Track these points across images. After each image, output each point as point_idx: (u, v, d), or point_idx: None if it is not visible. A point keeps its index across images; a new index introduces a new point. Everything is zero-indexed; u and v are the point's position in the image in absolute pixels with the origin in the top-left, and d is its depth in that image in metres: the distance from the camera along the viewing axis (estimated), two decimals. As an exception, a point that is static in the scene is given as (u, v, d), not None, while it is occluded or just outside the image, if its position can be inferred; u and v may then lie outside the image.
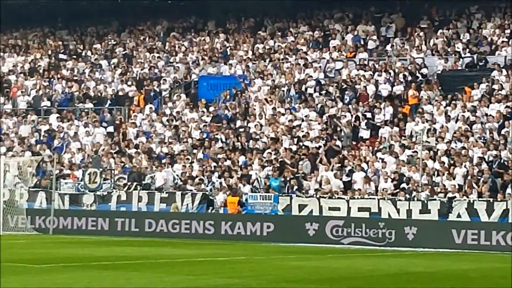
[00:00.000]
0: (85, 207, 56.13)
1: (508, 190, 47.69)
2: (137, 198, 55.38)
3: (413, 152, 53.66)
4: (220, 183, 54.61)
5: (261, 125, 59.68)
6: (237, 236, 51.55)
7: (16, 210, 54.84)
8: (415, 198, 50.00)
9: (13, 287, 26.44)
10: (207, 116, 62.16)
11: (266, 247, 47.01)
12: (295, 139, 57.78)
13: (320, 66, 64.52)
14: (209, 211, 54.12)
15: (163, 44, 72.98)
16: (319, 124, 58.83)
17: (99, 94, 67.57)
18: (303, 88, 63.09)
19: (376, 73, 61.99)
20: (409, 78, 60.60)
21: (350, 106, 59.75)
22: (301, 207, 51.92)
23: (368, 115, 58.31)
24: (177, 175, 56.59)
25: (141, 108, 65.23)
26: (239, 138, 59.12)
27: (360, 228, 49.70)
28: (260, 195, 53.38)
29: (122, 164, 58.67)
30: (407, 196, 50.47)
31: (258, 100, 62.94)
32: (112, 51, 73.82)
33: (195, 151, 58.55)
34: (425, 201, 49.24)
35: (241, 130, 60.06)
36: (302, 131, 58.47)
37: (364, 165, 53.73)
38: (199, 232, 52.63)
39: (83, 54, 74.17)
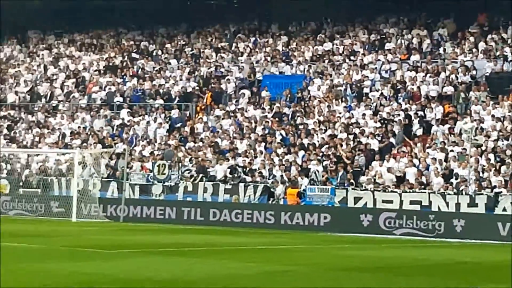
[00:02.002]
0: (154, 197, 56.40)
1: (550, 185, 47.62)
2: (202, 189, 55.58)
3: (462, 149, 53.39)
4: (281, 176, 54.70)
5: (320, 122, 59.52)
6: (295, 226, 51.65)
7: (89, 199, 55.19)
8: (463, 193, 49.96)
9: (85, 271, 26.54)
10: (269, 113, 62.21)
11: (323, 237, 47.30)
12: (352, 136, 57.52)
13: (375, 68, 64.46)
14: (270, 202, 54.16)
15: (229, 45, 73.17)
16: (374, 122, 58.63)
17: (168, 91, 67.83)
18: (359, 88, 62.93)
19: (428, 75, 61.72)
20: (459, 79, 60.26)
21: (403, 105, 59.72)
22: (356, 199, 52.14)
23: (420, 113, 58.14)
24: (241, 168, 56.53)
25: (208, 105, 65.40)
26: (299, 134, 58.97)
27: (412, 220, 49.86)
28: (318, 188, 53.18)
29: (189, 157, 58.76)
30: (456, 190, 50.37)
31: (317, 99, 62.88)
32: (181, 50, 74.13)
33: (257, 145, 58.55)
34: (473, 195, 49.35)
35: (301, 126, 59.80)
36: (359, 128, 58.21)
37: (415, 160, 53.69)
38: (260, 221, 52.80)
39: (154, 53, 74.76)
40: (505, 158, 51.56)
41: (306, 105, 62.02)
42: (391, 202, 51.67)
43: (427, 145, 55.23)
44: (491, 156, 52.01)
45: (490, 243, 45.59)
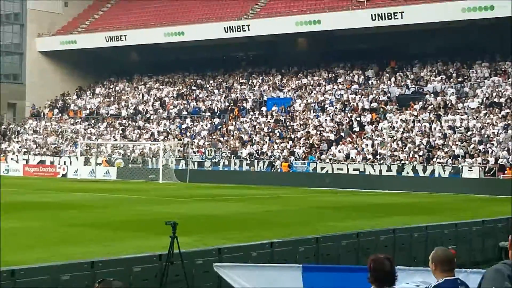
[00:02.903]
0: (206, 168, 55.86)
1: None
2: (233, 163, 54.88)
3: (382, 139, 52.20)
4: (278, 155, 53.90)
5: (300, 125, 58.16)
6: (287, 184, 49.56)
7: (169, 170, 54.96)
8: (384, 164, 48.90)
9: (166, 211, 28.05)
10: (271, 119, 60.78)
11: (303, 190, 45.83)
12: (319, 132, 56.15)
13: (332, 93, 61.72)
14: (272, 170, 53.11)
15: (247, 81, 70.04)
16: (331, 123, 56.87)
17: (212, 108, 66.06)
18: (323, 105, 60.58)
19: (362, 96, 59.56)
20: (380, 99, 58.45)
21: (348, 114, 57.60)
22: (322, 168, 50.84)
23: (358, 119, 56.50)
24: (255, 151, 56.17)
25: (235, 115, 63.82)
26: (288, 131, 57.95)
27: (353, 180, 48.27)
28: (300, 162, 52.52)
29: (225, 145, 58.37)
30: (379, 163, 49.35)
31: (298, 111, 61.02)
32: (220, 84, 71.38)
33: (264, 138, 58.44)
34: (389, 165, 48.38)
35: (289, 127, 58.65)
36: (322, 128, 56.63)
37: (355, 145, 52.42)
38: (266, 182, 50.57)
39: (205, 86, 71.76)
40: (406, 143, 50.31)
41: (292, 115, 60.39)
42: (341, 169, 50.04)
43: (362, 137, 53.75)
44: (399, 142, 50.89)
45: (397, 193, 44.13)
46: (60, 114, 74.11)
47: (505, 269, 5.51)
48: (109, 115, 71.00)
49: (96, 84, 78.98)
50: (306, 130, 57.36)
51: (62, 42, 76.67)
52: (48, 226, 23.32)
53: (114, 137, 65.40)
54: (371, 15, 59.84)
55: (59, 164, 61.79)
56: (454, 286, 6.81)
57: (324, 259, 14.26)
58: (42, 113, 75.31)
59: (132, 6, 77.33)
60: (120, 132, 66.41)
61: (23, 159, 64.42)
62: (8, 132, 72.66)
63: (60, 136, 68.73)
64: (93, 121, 70.75)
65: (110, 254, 14.43)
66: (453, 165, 46.81)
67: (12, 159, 65.15)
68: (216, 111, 65.73)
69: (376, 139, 53.05)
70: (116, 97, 74.55)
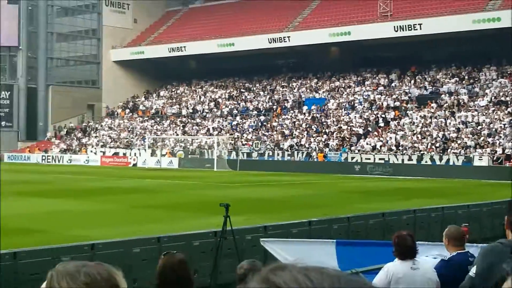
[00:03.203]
0: (253, 158, 55.49)
1: None
2: (276, 154, 54.54)
3: (404, 133, 52.00)
4: (315, 147, 53.97)
5: (333, 121, 57.88)
6: (321, 171, 49.37)
7: (222, 160, 54.84)
8: (405, 154, 48.58)
9: (219, 195, 27.79)
10: (308, 116, 60.50)
11: (335, 177, 45.53)
12: (349, 127, 55.93)
13: (360, 94, 61.62)
14: (309, 160, 52.85)
15: (288, 84, 69.90)
16: (360, 119, 56.74)
17: (258, 107, 66.08)
18: (353, 104, 60.37)
19: (387, 96, 59.31)
20: (402, 98, 58.21)
21: (374, 112, 57.44)
22: (352, 157, 50.57)
23: (383, 115, 56.24)
24: (295, 143, 56.11)
25: (278, 113, 63.60)
26: (323, 126, 57.64)
27: (380, 167, 47.96)
28: (333, 152, 52.18)
29: (270, 138, 58.15)
30: (401, 153, 49.05)
31: (331, 109, 61.06)
32: (265, 87, 71.51)
33: (303, 132, 58.79)
34: (410, 155, 48.04)
35: (324, 123, 58.26)
36: (352, 123, 56.43)
37: (381, 138, 52.28)
38: (304, 170, 50.52)
39: (260, 90, 71.97)
40: (425, 136, 50.08)
41: (326, 112, 60.13)
42: (369, 159, 49.72)
43: (387, 131, 53.42)
44: (419, 135, 50.61)
45: (417, 179, 43.70)
46: (131, 113, 74.73)
47: (501, 246, 5.24)
48: (171, 114, 71.22)
49: (161, 88, 79.35)
50: (338, 125, 57.11)
51: (132, 53, 77.47)
52: (122, 207, 23.64)
53: (176, 132, 65.64)
54: (394, 26, 59.84)
55: (130, 155, 62.28)
56: (465, 258, 6.89)
57: (354, 235, 14.26)
58: (115, 113, 76.00)
59: (190, 21, 77.79)
60: (181, 128, 66.67)
61: (101, 151, 65.11)
62: (88, 129, 73.44)
63: (131, 132, 69.30)
64: (158, 119, 71.05)
65: (173, 231, 14.53)
66: (466, 155, 46.60)
67: (91, 151, 65.87)
68: (261, 110, 65.57)
69: (399, 133, 52.80)
70: (177, 99, 74.83)
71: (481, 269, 5.03)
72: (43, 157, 66.25)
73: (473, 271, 5.02)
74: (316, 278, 0.88)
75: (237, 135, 61.01)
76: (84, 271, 1.86)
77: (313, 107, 62.38)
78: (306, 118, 60.66)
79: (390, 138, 52.13)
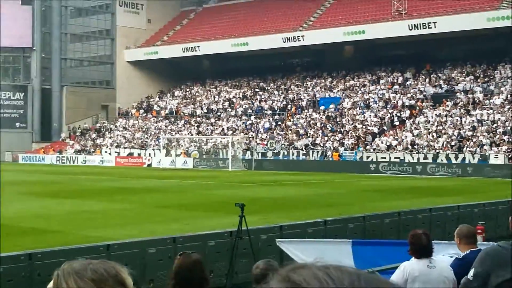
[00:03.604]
0: (268, 158, 55.30)
1: None
2: (291, 153, 54.48)
3: (419, 131, 51.77)
4: (329, 146, 53.92)
5: (348, 119, 57.87)
6: (337, 170, 49.22)
7: (237, 159, 54.74)
8: (420, 152, 48.35)
9: (234, 195, 28.00)
10: (323, 115, 60.41)
11: (350, 176, 45.45)
12: (364, 126, 55.85)
13: (375, 92, 61.59)
14: (324, 159, 52.66)
15: (302, 83, 69.75)
16: (375, 118, 56.57)
17: (273, 106, 66.05)
18: (367, 102, 60.48)
19: (402, 95, 59.27)
20: (417, 97, 58.08)
21: (389, 110, 57.31)
22: (367, 156, 50.40)
23: (398, 114, 56.04)
24: (309, 143, 56.23)
25: (293, 112, 63.49)
26: (338, 125, 57.78)
27: (395, 166, 47.81)
28: (348, 151, 52.09)
29: (285, 137, 58.07)
30: (416, 151, 48.77)
31: (346, 108, 60.87)
32: (279, 87, 71.41)
33: (317, 131, 58.62)
34: (425, 153, 47.68)
35: (339, 122, 58.21)
36: (367, 122, 56.34)
37: (396, 137, 52.02)
38: (319, 169, 50.33)
39: (266, 89, 71.70)
40: (440, 135, 49.98)
41: (341, 111, 60.01)
42: (384, 158, 49.48)
43: (402, 129, 53.26)
44: (434, 134, 50.46)
45: (433, 177, 44.09)
46: (145, 114, 74.91)
47: (499, 250, 5.05)
48: (186, 114, 71.31)
49: (175, 88, 79.49)
50: (353, 124, 57.00)
51: (146, 53, 77.67)
52: (136, 207, 23.70)
53: (190, 132, 65.70)
54: (408, 25, 59.69)
55: (144, 155, 62.44)
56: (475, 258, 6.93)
57: (370, 234, 14.27)
58: (130, 113, 76.18)
59: (204, 21, 77.93)
60: (195, 128, 66.73)
61: (115, 152, 65.27)
62: (102, 129, 73.69)
63: (145, 132, 69.49)
64: (172, 119, 71.15)
65: (188, 231, 14.59)
66: (481, 153, 46.35)
67: (105, 151, 66.06)
68: (276, 109, 65.58)
69: (414, 132, 52.66)
70: (192, 99, 74.89)
71: (478, 272, 4.97)
72: (58, 158, 66.52)
73: (471, 273, 4.96)
74: (336, 275, 0.88)
75: (252, 135, 61.03)
76: (90, 268, 1.86)
77: (330, 106, 62.30)
78: (321, 117, 60.59)
79: (406, 137, 51.97)
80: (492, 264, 4.78)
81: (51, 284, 1.90)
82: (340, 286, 0.88)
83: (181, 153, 60.56)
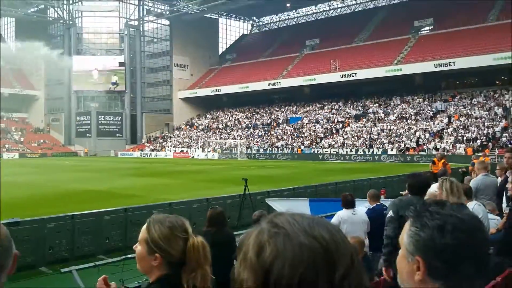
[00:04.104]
0: (260, 152, 53.09)
1: None
2: (274, 149, 52.74)
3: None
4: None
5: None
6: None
7: (242, 153, 53.22)
8: None
9: (240, 175, 26.60)
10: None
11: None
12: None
13: None
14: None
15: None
16: None
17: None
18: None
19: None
20: None
21: None
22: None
23: None
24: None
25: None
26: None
27: None
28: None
29: (269, 141, 56.62)
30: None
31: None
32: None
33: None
34: None
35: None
36: None
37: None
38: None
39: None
40: (359, 138, 48.15)
41: (302, 125, 57.28)
42: (327, 151, 47.30)
43: (337, 135, 51.24)
44: (356, 137, 48.44)
45: (356, 162, 41.87)
46: (190, 128, 73.97)
47: (403, 200, 4.58)
48: (213, 127, 70.00)
49: (207, 112, 78.13)
50: (309, 132, 54.79)
51: (190, 93, 76.58)
52: (185, 181, 23.46)
53: (216, 138, 64.74)
54: (340, 74, 58.16)
55: (190, 152, 61.81)
56: (381, 208, 6.90)
57: (319, 196, 14.10)
58: (181, 128, 75.18)
59: (222, 75, 76.74)
60: (219, 135, 65.60)
61: (173, 149, 64.57)
62: (165, 137, 73.01)
63: (190, 138, 68.73)
64: (205, 131, 69.93)
65: (216, 194, 14.50)
66: (383, 148, 44.86)
67: (168, 149, 65.38)
68: (264, 124, 63.77)
69: (344, 136, 50.77)
70: (216, 119, 73.50)
71: (393, 212, 4.74)
72: (140, 154, 65.85)
73: (390, 213, 4.66)
74: (299, 219, 0.89)
75: (251, 139, 59.95)
76: (168, 220, 1.82)
77: (296, 122, 60.98)
78: (291, 129, 59.41)
79: (340, 139, 51.05)
80: (399, 208, 4.49)
81: (144, 227, 1.83)
82: (302, 225, 0.87)
83: (211, 150, 60.03)
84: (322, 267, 0.83)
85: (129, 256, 5.25)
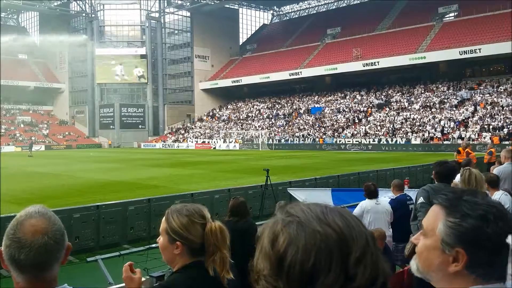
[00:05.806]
0: (282, 143, 53.20)
1: None
2: (295, 139, 52.71)
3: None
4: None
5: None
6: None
7: (264, 143, 53.32)
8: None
9: (262, 165, 26.57)
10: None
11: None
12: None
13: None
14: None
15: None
16: None
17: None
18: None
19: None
20: None
21: None
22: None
23: None
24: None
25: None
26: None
27: None
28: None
29: (291, 131, 57.29)
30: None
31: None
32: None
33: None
34: None
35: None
36: None
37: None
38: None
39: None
40: (382, 127, 47.68)
41: (324, 115, 57.14)
42: (350, 141, 47.10)
43: (360, 125, 51.35)
44: (379, 126, 48.20)
45: (378, 152, 41.48)
46: (211, 119, 74.24)
47: (432, 188, 4.46)
48: (234, 118, 70.16)
49: (228, 103, 78.23)
50: (331, 122, 54.52)
51: (211, 84, 76.71)
52: (207, 171, 23.49)
53: (237, 128, 64.89)
54: (362, 63, 57.53)
55: (211, 142, 62.18)
56: (404, 198, 6.89)
57: (342, 185, 14.00)
58: (202, 119, 75.48)
59: (243, 65, 76.57)
60: (240, 126, 65.68)
61: (195, 140, 65.06)
62: (187, 128, 73.44)
63: (211, 129, 69.09)
64: (227, 121, 70.11)
65: (238, 185, 14.52)
66: (406, 137, 44.39)
67: (189, 140, 65.92)
68: (286, 115, 63.62)
69: (367, 126, 50.42)
70: (237, 109, 73.59)
71: (424, 198, 4.56)
72: (163, 145, 66.38)
73: (421, 199, 4.43)
74: (313, 208, 0.89)
75: (272, 130, 59.84)
76: (186, 208, 1.86)
77: (317, 112, 60.72)
78: (312, 119, 59.20)
79: (362, 129, 50.67)
80: (430, 191, 4.41)
81: (164, 218, 1.88)
82: (315, 212, 0.88)
83: (232, 140, 60.28)
84: (336, 252, 0.83)
85: (153, 245, 5.36)
